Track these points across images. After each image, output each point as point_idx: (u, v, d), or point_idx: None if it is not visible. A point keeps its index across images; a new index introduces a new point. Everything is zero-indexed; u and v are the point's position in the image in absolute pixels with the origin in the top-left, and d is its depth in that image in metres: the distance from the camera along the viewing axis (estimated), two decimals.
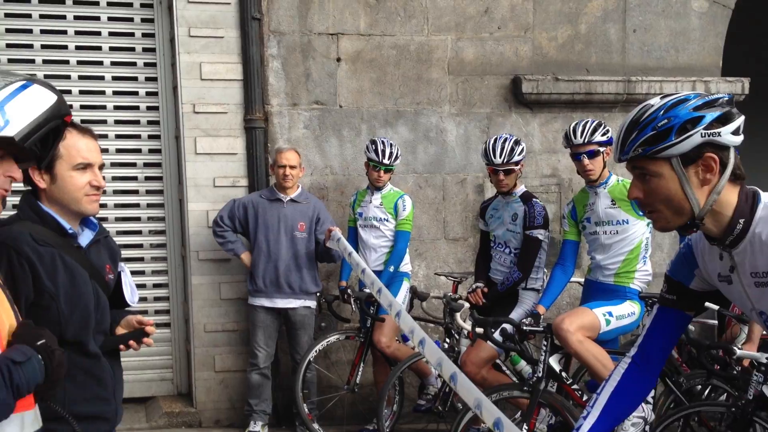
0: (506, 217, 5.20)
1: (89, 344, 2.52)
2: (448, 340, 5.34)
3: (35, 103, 1.92)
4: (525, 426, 4.29)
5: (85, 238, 2.61)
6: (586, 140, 4.76)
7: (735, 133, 1.96)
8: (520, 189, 5.21)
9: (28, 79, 1.96)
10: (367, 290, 5.35)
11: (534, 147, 6.37)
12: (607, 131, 4.82)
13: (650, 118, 1.97)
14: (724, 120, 1.95)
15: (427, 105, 6.27)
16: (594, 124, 4.81)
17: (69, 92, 5.96)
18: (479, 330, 4.85)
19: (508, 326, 4.60)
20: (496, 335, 4.61)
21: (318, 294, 5.75)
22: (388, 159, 5.58)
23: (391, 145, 5.62)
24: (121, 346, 2.67)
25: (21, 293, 2.34)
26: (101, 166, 2.59)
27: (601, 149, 4.79)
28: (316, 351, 5.59)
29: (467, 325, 5.14)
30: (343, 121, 6.15)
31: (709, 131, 1.93)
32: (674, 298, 2.24)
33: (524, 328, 4.44)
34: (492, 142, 5.11)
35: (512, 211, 5.16)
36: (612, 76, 6.36)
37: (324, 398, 5.86)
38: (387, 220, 5.70)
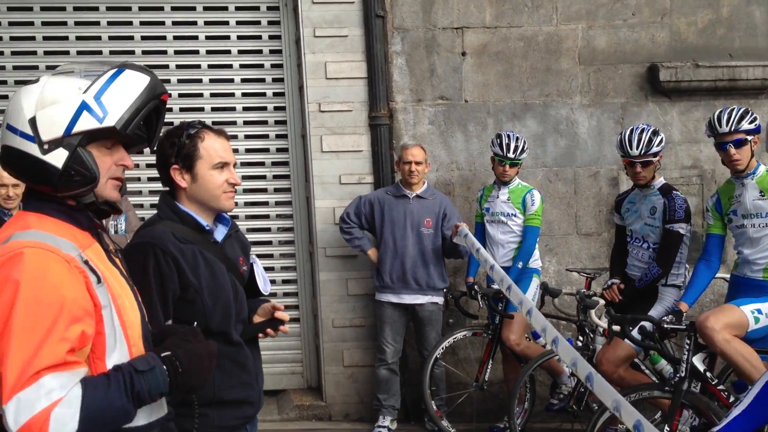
0: (644, 211, 5.05)
1: (232, 334, 2.65)
2: (581, 338, 5.25)
3: (129, 88, 1.95)
4: (666, 428, 4.16)
5: (220, 233, 2.74)
6: (733, 128, 4.56)
7: None
8: (659, 181, 5.04)
9: (120, 66, 1.99)
10: (495, 286, 5.34)
11: (673, 137, 6.17)
12: (755, 119, 4.61)
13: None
14: None
15: (557, 97, 6.18)
16: (741, 111, 4.60)
17: (201, 95, 6.25)
18: (616, 328, 4.73)
19: (647, 324, 4.46)
20: (635, 333, 4.48)
21: (445, 290, 5.77)
22: (513, 153, 5.54)
23: (517, 138, 5.58)
24: (260, 334, 2.78)
25: (168, 289, 2.50)
26: (235, 164, 2.72)
27: (749, 138, 4.58)
28: (443, 348, 5.61)
29: (603, 323, 5.03)
30: (469, 115, 6.15)
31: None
32: None
33: (665, 326, 4.30)
34: (628, 133, 4.98)
35: (650, 204, 5.00)
36: (758, 61, 6.09)
37: (453, 395, 5.88)
38: (515, 215, 5.66)
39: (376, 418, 5.80)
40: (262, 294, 2.91)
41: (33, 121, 1.90)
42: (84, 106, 1.90)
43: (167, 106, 2.13)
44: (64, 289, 1.77)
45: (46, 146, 1.89)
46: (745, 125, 4.56)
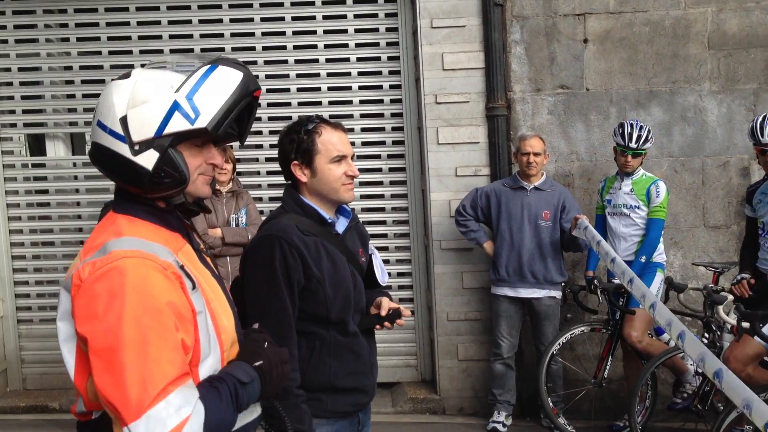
0: None
1: (349, 324, 2.75)
2: (707, 335, 5.04)
3: (222, 86, 1.88)
4: None
5: (341, 225, 2.84)
6: None
7: None
8: None
9: (213, 61, 1.91)
10: (616, 281, 5.22)
11: None
12: None
13: None
14: None
15: (684, 83, 5.96)
16: None
17: (318, 89, 6.42)
18: (745, 324, 4.52)
19: None
20: (766, 330, 4.29)
21: (563, 284, 5.68)
22: (636, 143, 5.38)
23: (640, 127, 5.42)
24: (377, 326, 2.86)
25: (294, 280, 2.62)
26: (352, 156, 2.80)
27: None
28: (560, 343, 5.51)
29: (731, 319, 4.82)
30: (590, 104, 6.02)
31: None
32: None
33: None
34: (761, 119, 4.77)
35: None
36: None
37: (570, 392, 5.78)
38: (638, 208, 5.50)
39: (490, 413, 5.78)
40: (380, 285, 2.99)
41: (124, 120, 1.86)
42: (176, 107, 1.85)
43: (260, 100, 2.07)
44: (167, 298, 1.75)
45: (136, 147, 1.86)
46: None
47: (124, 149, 1.87)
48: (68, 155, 6.83)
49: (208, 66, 1.90)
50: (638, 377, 5.19)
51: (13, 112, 6.57)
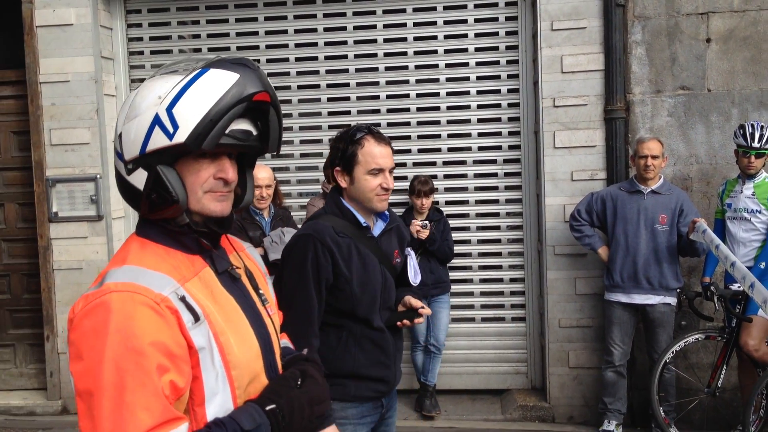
0: None
1: (375, 320, 3.14)
2: None
3: (206, 94, 1.73)
4: None
5: (378, 228, 3.23)
6: None
7: None
8: None
9: (208, 64, 1.79)
10: (734, 287, 5.28)
11: None
12: None
13: None
14: None
15: None
16: None
17: (437, 94, 6.79)
18: None
19: None
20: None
21: (679, 290, 5.76)
22: (759, 142, 5.45)
23: (762, 127, 5.48)
24: (398, 323, 3.25)
25: (322, 277, 3.01)
26: (391, 170, 3.15)
27: None
28: (673, 351, 5.60)
29: None
30: (712, 105, 6.12)
31: None
32: None
33: None
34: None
35: None
36: None
37: (682, 401, 5.83)
38: (759, 212, 5.54)
39: (600, 421, 5.92)
40: (411, 285, 3.37)
41: (119, 137, 1.82)
42: (156, 121, 1.74)
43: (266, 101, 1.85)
44: (152, 338, 1.65)
45: (129, 165, 1.80)
46: None
47: (122, 168, 1.83)
48: None
49: (198, 71, 1.77)
50: (754, 387, 5.20)
51: None
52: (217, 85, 1.74)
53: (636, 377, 6.08)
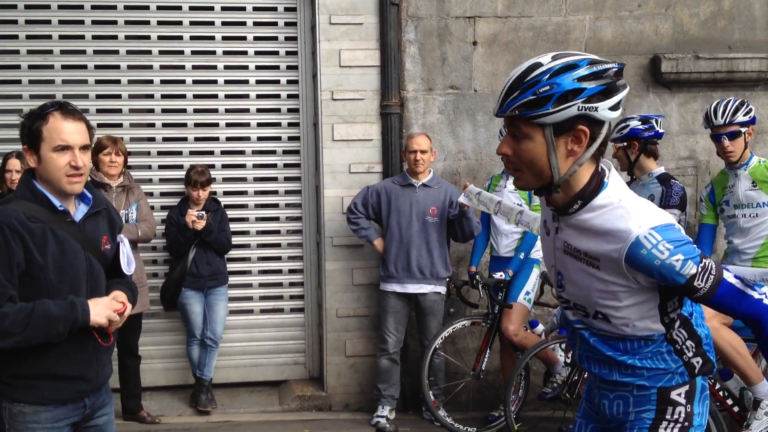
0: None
1: None
2: None
3: None
4: None
5: (80, 213, 3.13)
6: (728, 121, 5.15)
7: (613, 108, 2.20)
8: (658, 170, 5.61)
9: None
10: (497, 276, 6.01)
11: (671, 128, 6.82)
12: (750, 110, 5.20)
13: (534, 80, 2.19)
14: (605, 93, 2.18)
15: None
16: (736, 103, 5.19)
17: (215, 82, 6.93)
18: None
19: None
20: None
21: (448, 279, 6.39)
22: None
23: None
24: None
25: (13, 264, 2.89)
26: (85, 147, 3.05)
27: (743, 129, 5.16)
28: (442, 337, 6.22)
29: None
30: (478, 105, 6.83)
31: (587, 105, 2.15)
32: None
33: None
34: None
35: (648, 192, 5.53)
36: (755, 54, 6.78)
37: (450, 384, 6.51)
38: (521, 206, 6.24)
39: (375, 408, 6.44)
40: (125, 274, 3.31)
41: None
42: None
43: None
44: None
45: None
46: (740, 117, 5.15)
47: None
48: None
49: None
50: (513, 369, 5.94)
51: None
52: None
53: (408, 363, 6.67)
